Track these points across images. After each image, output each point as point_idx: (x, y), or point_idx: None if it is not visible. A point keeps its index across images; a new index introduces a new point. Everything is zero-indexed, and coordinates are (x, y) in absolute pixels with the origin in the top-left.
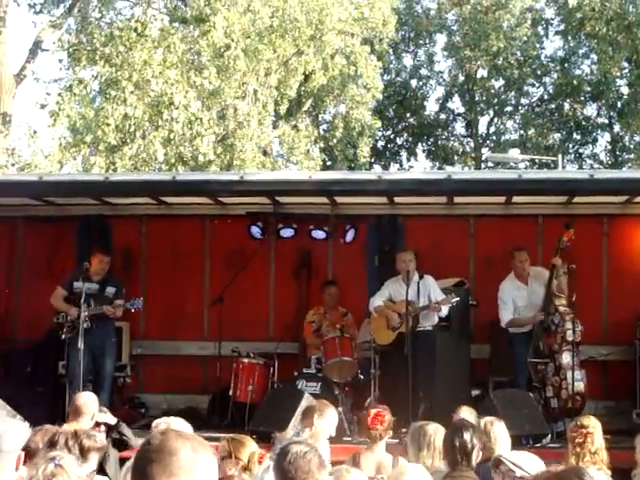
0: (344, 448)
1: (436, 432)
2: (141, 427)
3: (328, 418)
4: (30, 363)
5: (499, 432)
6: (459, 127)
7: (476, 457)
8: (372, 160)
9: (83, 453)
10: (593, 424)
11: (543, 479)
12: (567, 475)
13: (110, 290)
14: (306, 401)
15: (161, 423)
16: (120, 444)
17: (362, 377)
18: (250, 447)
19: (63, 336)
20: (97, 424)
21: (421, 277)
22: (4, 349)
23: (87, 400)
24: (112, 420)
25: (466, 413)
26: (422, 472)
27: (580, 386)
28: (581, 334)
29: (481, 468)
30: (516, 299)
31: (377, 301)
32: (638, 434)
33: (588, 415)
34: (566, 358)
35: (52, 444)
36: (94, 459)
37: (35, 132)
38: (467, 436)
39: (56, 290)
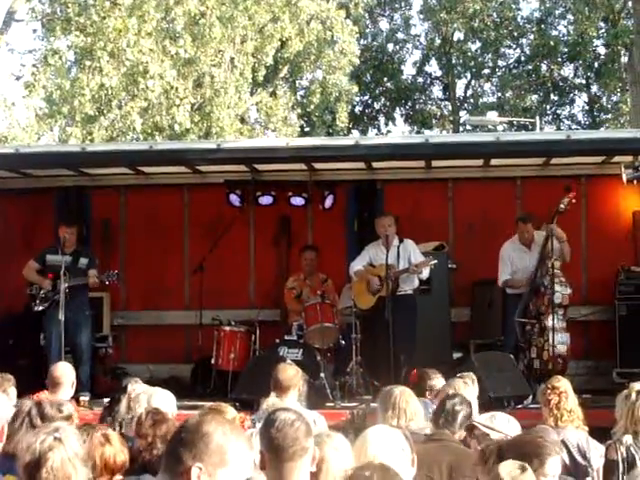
0: (327, 413)
1: (402, 394)
2: None
3: None
4: (11, 336)
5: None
6: (436, 91)
7: (462, 422)
8: (350, 125)
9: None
10: (564, 384)
11: (521, 444)
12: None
13: (83, 261)
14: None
15: (132, 382)
16: None
17: (343, 342)
18: (229, 414)
19: (35, 308)
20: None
21: (401, 241)
22: None
23: (64, 370)
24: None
25: (439, 380)
26: (383, 431)
27: (562, 349)
28: (569, 298)
29: None
30: (515, 260)
31: (357, 265)
32: (618, 393)
33: (557, 376)
34: (551, 320)
35: (15, 415)
36: None
37: (13, 104)
38: (455, 400)
39: (28, 263)
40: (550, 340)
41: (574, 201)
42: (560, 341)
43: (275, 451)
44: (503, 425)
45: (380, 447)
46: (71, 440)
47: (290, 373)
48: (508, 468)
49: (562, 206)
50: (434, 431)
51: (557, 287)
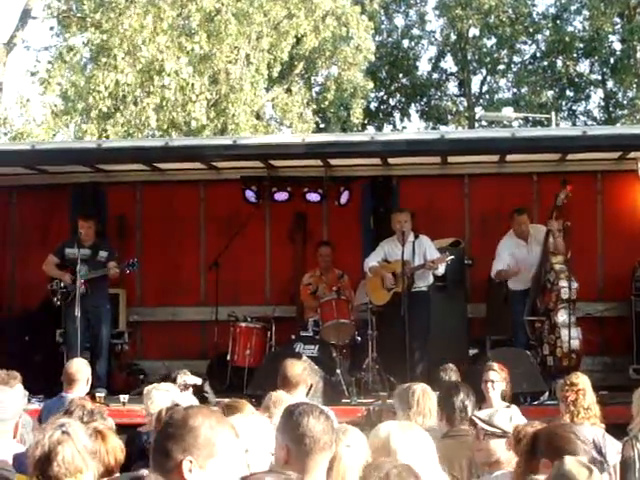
0: (343, 410)
1: (424, 391)
2: (140, 394)
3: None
4: (27, 332)
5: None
6: (452, 87)
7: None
8: (365, 122)
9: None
10: (583, 381)
11: (554, 437)
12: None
13: (102, 254)
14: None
15: (152, 390)
16: (203, 401)
17: (359, 339)
18: (246, 410)
19: (58, 303)
20: (186, 386)
21: (416, 237)
22: (1, 318)
23: (79, 366)
24: (198, 381)
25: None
26: (418, 430)
27: (575, 344)
28: (577, 292)
29: None
30: (514, 254)
31: (372, 261)
32: (635, 389)
33: (576, 373)
34: (562, 316)
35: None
36: None
37: (28, 100)
38: (462, 394)
39: (48, 258)
40: (562, 336)
41: (571, 195)
42: (572, 336)
43: (304, 443)
44: (504, 422)
45: (402, 442)
46: (79, 434)
47: (298, 369)
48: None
49: (559, 201)
50: (450, 428)
51: (562, 282)
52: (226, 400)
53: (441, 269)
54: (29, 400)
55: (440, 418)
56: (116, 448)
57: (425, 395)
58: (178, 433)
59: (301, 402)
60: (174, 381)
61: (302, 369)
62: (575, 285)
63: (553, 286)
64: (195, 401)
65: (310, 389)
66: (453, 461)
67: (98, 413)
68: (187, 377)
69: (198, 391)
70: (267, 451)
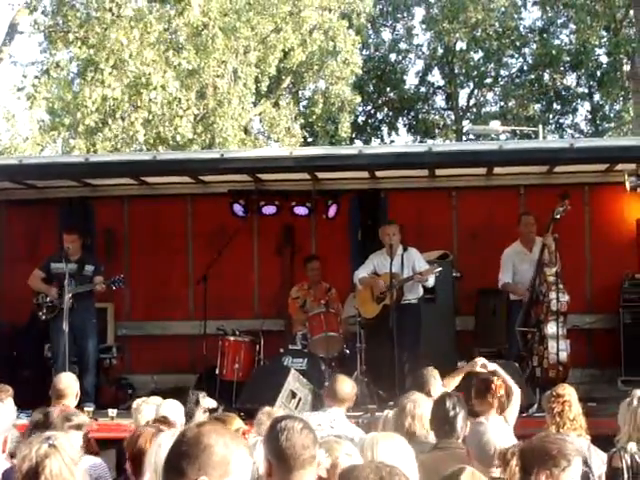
0: None
1: (417, 403)
2: (128, 408)
3: None
4: (15, 347)
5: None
6: (439, 100)
7: (462, 425)
8: (353, 135)
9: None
10: (569, 392)
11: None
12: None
13: (88, 268)
14: (292, 377)
15: (141, 404)
16: None
17: (348, 352)
18: (234, 424)
19: (43, 317)
20: (205, 410)
21: (405, 249)
22: None
23: (68, 382)
24: (214, 404)
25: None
26: (399, 441)
27: (562, 356)
28: (567, 305)
29: None
30: (516, 263)
31: (361, 273)
32: (622, 401)
33: (563, 384)
34: (551, 328)
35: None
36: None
37: (13, 116)
38: (449, 404)
39: (33, 272)
40: (549, 348)
41: (569, 208)
42: (560, 348)
43: (284, 459)
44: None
45: (388, 452)
46: (66, 446)
47: (348, 387)
48: None
49: (557, 214)
50: (439, 440)
51: (553, 295)
52: (215, 414)
53: (431, 281)
54: (17, 415)
55: (432, 429)
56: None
57: (418, 406)
58: (192, 451)
59: (287, 415)
60: (197, 403)
61: (352, 388)
62: (566, 298)
63: (544, 298)
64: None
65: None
66: (442, 474)
67: (72, 413)
68: (206, 400)
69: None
70: None
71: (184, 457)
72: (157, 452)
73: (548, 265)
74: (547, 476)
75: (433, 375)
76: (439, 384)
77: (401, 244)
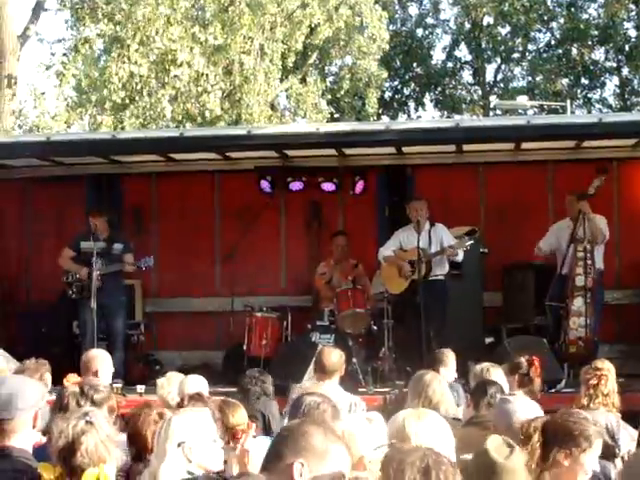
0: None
1: (431, 381)
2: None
3: None
4: (45, 324)
5: (496, 378)
6: (466, 75)
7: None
8: (380, 111)
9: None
10: (607, 367)
11: (568, 424)
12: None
13: (117, 247)
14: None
15: (164, 381)
16: None
17: (375, 328)
18: (236, 417)
19: (73, 295)
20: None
21: (432, 225)
22: (18, 310)
23: (98, 357)
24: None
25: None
26: (434, 416)
27: (582, 332)
28: (593, 280)
29: None
30: (560, 237)
31: (386, 251)
32: None
33: (603, 359)
34: (577, 303)
35: (62, 407)
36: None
37: (43, 94)
38: (494, 389)
39: (63, 251)
40: (570, 324)
41: (604, 182)
42: (581, 324)
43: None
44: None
45: (417, 429)
46: (102, 423)
47: (334, 357)
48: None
49: (592, 189)
50: (475, 414)
51: (579, 270)
52: (221, 399)
53: (460, 255)
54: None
55: (468, 405)
56: None
57: (431, 384)
58: (292, 437)
59: (306, 393)
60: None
61: (338, 358)
62: (592, 274)
63: (571, 273)
64: None
65: None
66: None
67: (89, 388)
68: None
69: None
70: (208, 441)
71: (284, 441)
72: (169, 433)
73: (580, 240)
74: (566, 455)
75: (443, 358)
76: (451, 368)
77: (428, 220)
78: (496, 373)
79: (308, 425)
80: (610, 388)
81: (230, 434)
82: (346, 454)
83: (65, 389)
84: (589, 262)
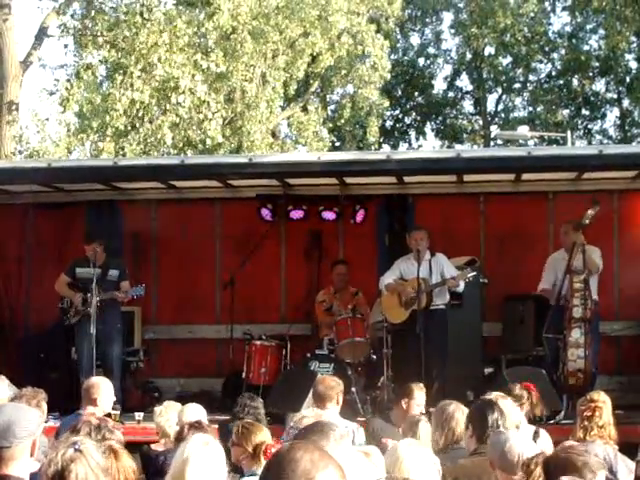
0: None
1: (454, 411)
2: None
3: None
4: (43, 349)
5: (506, 408)
6: (467, 105)
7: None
8: (381, 140)
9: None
10: (603, 399)
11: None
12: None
13: (113, 273)
14: None
15: (162, 409)
16: None
17: (374, 357)
18: (259, 436)
19: (67, 322)
20: None
21: (432, 255)
22: (17, 336)
23: (95, 382)
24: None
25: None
26: (414, 446)
27: (580, 364)
28: (590, 312)
29: None
30: (557, 269)
31: (388, 279)
32: None
33: (599, 390)
34: (574, 335)
35: (74, 430)
36: None
37: (47, 119)
38: (497, 414)
39: (60, 277)
40: (569, 355)
41: (597, 214)
42: (580, 356)
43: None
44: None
45: (413, 462)
46: (92, 451)
47: (330, 384)
48: None
49: (586, 219)
50: (478, 445)
51: (576, 301)
52: (243, 422)
53: (461, 286)
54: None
55: (470, 435)
56: (127, 468)
57: (455, 415)
58: (280, 465)
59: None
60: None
61: (334, 385)
62: (589, 305)
63: (568, 304)
64: None
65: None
66: (482, 477)
67: (105, 427)
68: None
69: None
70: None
71: (269, 469)
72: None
73: (576, 272)
74: None
75: (411, 391)
76: (418, 400)
77: (428, 250)
78: (504, 403)
79: (294, 451)
80: (605, 420)
81: (257, 452)
82: (336, 477)
83: (83, 416)
84: (586, 293)
